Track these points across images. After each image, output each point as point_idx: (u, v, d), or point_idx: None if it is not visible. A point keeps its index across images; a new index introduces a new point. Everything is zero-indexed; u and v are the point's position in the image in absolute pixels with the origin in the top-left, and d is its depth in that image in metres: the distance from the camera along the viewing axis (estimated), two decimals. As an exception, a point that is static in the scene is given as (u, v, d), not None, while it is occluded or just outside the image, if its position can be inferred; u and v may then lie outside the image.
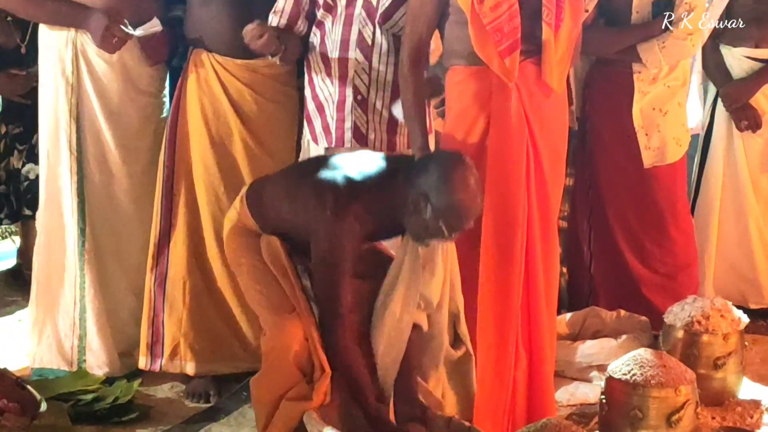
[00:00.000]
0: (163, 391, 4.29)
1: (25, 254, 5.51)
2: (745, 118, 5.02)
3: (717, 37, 4.99)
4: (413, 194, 3.26)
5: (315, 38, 4.13)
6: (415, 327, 3.52)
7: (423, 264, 3.49)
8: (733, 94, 5.03)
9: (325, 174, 3.40)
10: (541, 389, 3.88)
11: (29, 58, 5.05)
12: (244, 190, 3.68)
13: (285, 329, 3.46)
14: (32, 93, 4.77)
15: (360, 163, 3.48)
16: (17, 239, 5.75)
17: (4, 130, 5.31)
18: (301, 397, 3.40)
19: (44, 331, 4.37)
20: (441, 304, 3.57)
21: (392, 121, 4.15)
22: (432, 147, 3.96)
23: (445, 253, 3.54)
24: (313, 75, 4.15)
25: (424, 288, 3.49)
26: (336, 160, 3.57)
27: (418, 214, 3.26)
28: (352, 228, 3.31)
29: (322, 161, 3.61)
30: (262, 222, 3.58)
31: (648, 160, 4.71)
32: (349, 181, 3.33)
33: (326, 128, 4.10)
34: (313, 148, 4.18)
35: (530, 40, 3.71)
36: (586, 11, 4.36)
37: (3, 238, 5.94)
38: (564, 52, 3.81)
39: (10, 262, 5.72)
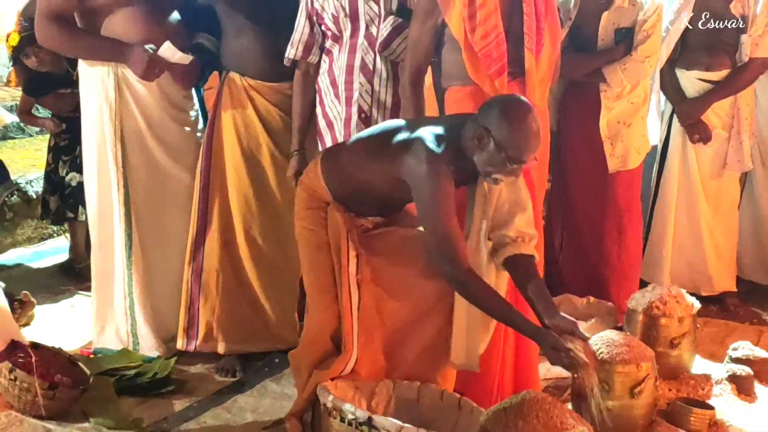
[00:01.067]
0: (196, 368, 4.31)
1: (74, 250, 5.58)
2: (697, 132, 5.04)
3: (673, 61, 4.98)
4: (478, 130, 3.19)
5: (324, 65, 4.14)
6: (529, 257, 3.46)
7: (512, 207, 3.46)
8: (687, 112, 5.05)
9: (411, 134, 3.32)
10: (526, 365, 3.90)
11: (75, 79, 5.13)
12: (318, 157, 3.62)
13: (325, 313, 3.52)
14: (78, 107, 4.80)
15: (435, 122, 3.43)
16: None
17: (53, 143, 5.36)
18: (327, 367, 3.44)
19: (104, 319, 4.42)
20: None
21: None
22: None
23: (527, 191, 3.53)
24: (323, 96, 4.14)
25: (520, 224, 3.45)
26: (410, 123, 3.51)
27: (482, 149, 3.20)
28: (446, 172, 3.22)
29: (394, 127, 3.50)
30: (335, 185, 3.50)
31: (612, 166, 4.74)
32: (434, 135, 3.26)
33: (335, 142, 4.08)
34: None
35: (515, 64, 3.74)
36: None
37: (57, 236, 5.96)
38: (545, 73, 3.86)
39: (63, 256, 5.72)
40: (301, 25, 4.09)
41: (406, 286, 3.54)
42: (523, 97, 3.38)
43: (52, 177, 5.40)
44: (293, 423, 3.54)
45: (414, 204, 3.41)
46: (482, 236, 3.46)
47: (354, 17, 4.02)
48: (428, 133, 3.28)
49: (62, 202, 5.41)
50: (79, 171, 5.12)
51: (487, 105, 3.31)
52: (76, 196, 5.28)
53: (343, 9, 4.01)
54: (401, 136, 3.36)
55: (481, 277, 3.34)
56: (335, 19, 4.03)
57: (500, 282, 3.53)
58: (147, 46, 4.06)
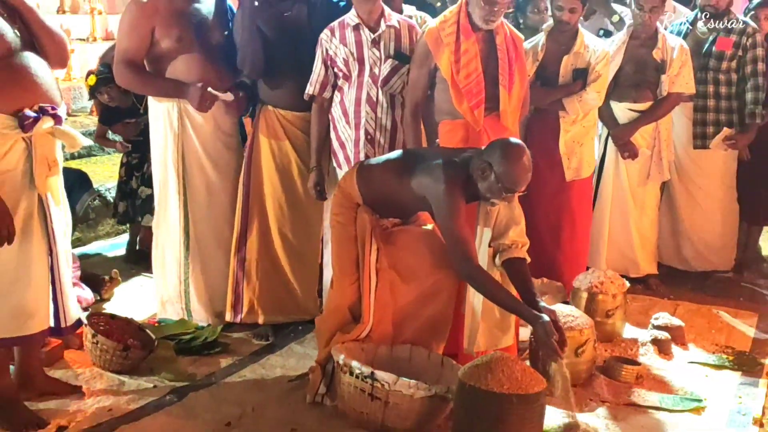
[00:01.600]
0: (238, 334, 4.29)
1: (130, 245, 5.57)
2: (626, 151, 5.01)
3: (608, 95, 4.93)
4: (482, 164, 3.25)
5: (337, 98, 4.12)
6: (521, 260, 3.54)
7: (508, 222, 3.54)
8: (619, 135, 5.01)
9: (432, 161, 3.37)
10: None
11: (139, 110, 5.14)
12: (354, 168, 3.63)
13: (345, 290, 3.55)
14: (142, 132, 4.78)
15: (451, 153, 3.50)
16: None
17: (125, 160, 5.34)
18: (349, 332, 3.49)
19: (163, 298, 4.40)
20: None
21: (393, 148, 4.12)
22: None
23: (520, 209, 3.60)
24: (337, 123, 4.12)
25: (513, 235, 3.53)
26: (431, 151, 3.68)
27: (484, 179, 3.26)
28: (459, 192, 3.30)
29: (419, 153, 3.60)
30: (366, 192, 3.51)
31: (569, 176, 4.71)
32: (450, 163, 3.33)
33: (347, 158, 4.08)
34: (338, 172, 4.15)
35: (492, 101, 3.79)
36: (529, 75, 4.39)
37: (117, 234, 5.93)
38: (516, 105, 3.90)
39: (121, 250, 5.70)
40: (318, 68, 4.08)
41: (415, 275, 3.53)
42: (520, 141, 3.43)
43: (123, 187, 5.38)
44: (316, 371, 3.55)
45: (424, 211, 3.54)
46: (485, 243, 3.53)
47: (360, 61, 4.03)
48: (446, 161, 3.34)
49: (131, 208, 5.38)
50: (148, 185, 5.11)
51: (492, 145, 3.36)
52: (145, 205, 5.28)
53: (352, 54, 4.01)
54: (425, 161, 3.40)
55: None
56: (346, 63, 4.03)
57: (501, 279, 3.57)
58: (201, 85, 4.05)
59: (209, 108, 4.11)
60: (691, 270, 5.42)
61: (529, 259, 3.56)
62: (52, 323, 3.31)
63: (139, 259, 5.33)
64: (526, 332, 4.01)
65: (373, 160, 3.71)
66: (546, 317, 3.27)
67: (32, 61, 3.15)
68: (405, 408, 3.18)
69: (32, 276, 3.19)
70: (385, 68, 4.03)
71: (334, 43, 4.01)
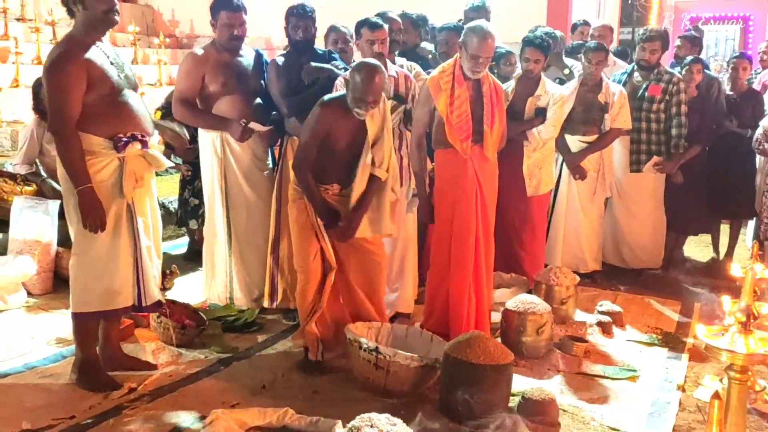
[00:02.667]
0: (271, 316, 4.27)
1: (190, 245, 5.55)
2: (577, 173, 4.99)
3: (563, 129, 4.91)
4: (345, 83, 3.40)
5: None
6: (376, 178, 3.52)
7: (375, 139, 3.48)
8: (571, 161, 5.00)
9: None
10: (482, 315, 3.89)
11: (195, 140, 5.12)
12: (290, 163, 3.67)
13: (310, 267, 3.52)
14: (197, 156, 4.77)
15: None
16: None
17: (182, 177, 5.35)
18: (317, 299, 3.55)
19: (211, 288, 4.39)
20: (389, 164, 3.57)
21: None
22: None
23: (389, 138, 3.56)
24: None
25: (376, 152, 3.49)
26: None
27: (347, 94, 3.36)
28: (326, 114, 3.42)
29: None
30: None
31: (530, 192, 4.67)
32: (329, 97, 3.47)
33: None
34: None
35: (477, 134, 3.79)
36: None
37: (177, 237, 5.93)
38: (495, 139, 3.88)
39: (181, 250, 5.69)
40: None
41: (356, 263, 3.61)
42: (371, 62, 3.44)
43: (179, 198, 5.41)
44: (311, 335, 3.59)
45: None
46: (363, 159, 3.49)
47: None
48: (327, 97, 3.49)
49: (184, 214, 5.38)
50: (196, 197, 5.15)
51: (352, 68, 3.45)
52: (193, 212, 5.28)
53: None
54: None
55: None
56: None
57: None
58: (241, 121, 4.06)
59: (247, 139, 4.11)
60: (628, 267, 5.39)
61: (384, 177, 3.54)
62: (135, 302, 3.34)
63: (194, 258, 5.29)
64: (496, 316, 4.04)
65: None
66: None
67: (132, 98, 3.27)
68: (402, 375, 3.20)
69: (120, 264, 3.25)
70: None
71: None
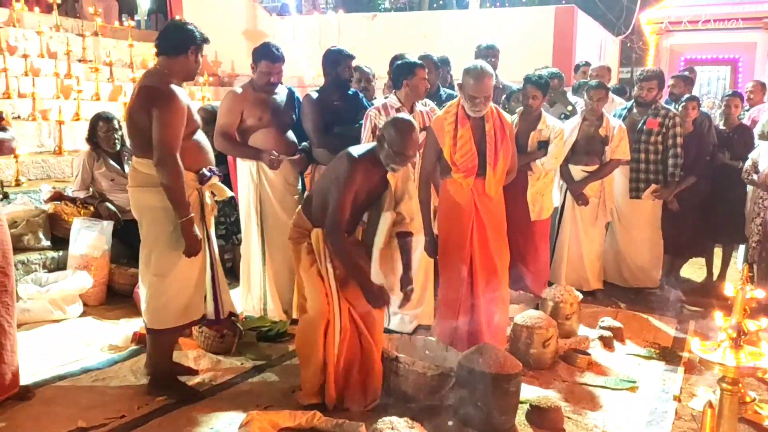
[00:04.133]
0: None
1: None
2: (580, 199, 5.00)
3: (567, 160, 4.97)
4: (379, 138, 3.05)
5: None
6: (407, 234, 3.25)
7: (401, 193, 3.21)
8: (574, 188, 5.01)
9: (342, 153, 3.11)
10: (479, 333, 3.72)
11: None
12: (299, 208, 3.32)
13: (323, 308, 3.07)
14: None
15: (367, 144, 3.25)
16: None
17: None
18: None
19: (247, 301, 4.41)
20: (415, 218, 3.33)
21: None
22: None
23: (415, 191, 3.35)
24: None
25: (405, 207, 3.21)
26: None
27: (382, 149, 3.03)
28: (358, 172, 3.03)
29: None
30: (312, 215, 3.17)
31: (533, 217, 4.64)
32: (354, 149, 3.10)
33: None
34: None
35: (482, 166, 3.67)
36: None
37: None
38: (499, 176, 3.74)
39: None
40: (366, 135, 4.09)
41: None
42: (407, 117, 3.19)
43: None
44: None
45: None
46: (383, 224, 3.23)
47: None
48: (351, 150, 3.11)
49: (232, 232, 5.39)
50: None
51: (386, 123, 3.14)
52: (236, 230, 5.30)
53: None
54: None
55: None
56: None
57: (393, 244, 3.28)
58: (272, 152, 4.13)
59: (278, 167, 4.16)
60: (628, 286, 5.35)
61: (414, 233, 3.30)
62: (213, 315, 3.36)
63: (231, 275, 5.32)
64: (508, 330, 4.01)
65: (309, 192, 3.42)
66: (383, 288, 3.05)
67: (202, 135, 3.28)
68: (420, 381, 3.18)
69: (196, 282, 3.25)
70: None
71: (380, 119, 4.00)
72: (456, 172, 3.67)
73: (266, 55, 4.14)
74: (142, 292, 3.26)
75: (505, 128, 3.75)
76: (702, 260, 5.94)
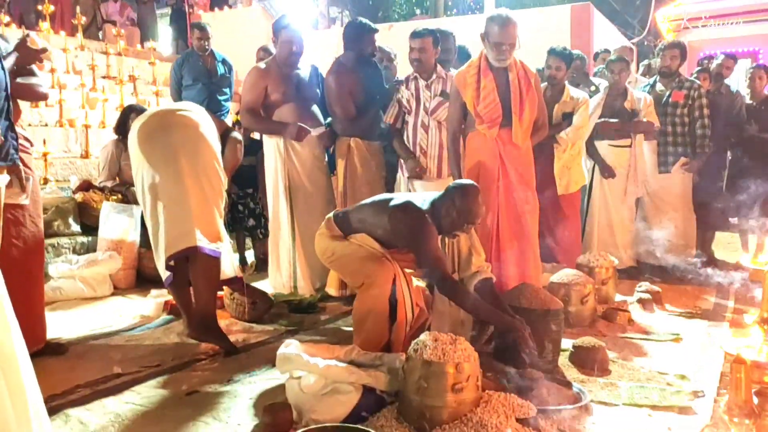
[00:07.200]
0: (331, 303, 4.18)
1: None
2: (606, 172, 4.98)
3: (593, 137, 4.95)
4: (446, 204, 2.86)
5: (405, 125, 4.23)
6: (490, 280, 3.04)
7: (468, 250, 3.08)
8: (601, 166, 5.02)
9: (403, 201, 2.93)
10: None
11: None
12: (329, 216, 3.18)
13: (383, 265, 2.90)
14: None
15: (416, 197, 3.02)
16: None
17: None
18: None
19: (276, 279, 4.37)
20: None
21: (439, 158, 4.14)
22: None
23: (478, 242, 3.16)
24: (406, 140, 4.22)
25: (477, 261, 3.07)
26: (395, 196, 3.10)
27: (449, 216, 2.85)
28: (430, 223, 2.83)
29: (389, 197, 3.05)
30: (348, 230, 3.05)
31: (560, 191, 4.64)
32: (418, 203, 2.92)
33: None
34: (403, 179, 4.24)
35: (507, 117, 3.65)
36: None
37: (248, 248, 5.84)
38: (526, 127, 3.70)
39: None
40: (393, 105, 4.20)
41: None
42: (472, 182, 3.01)
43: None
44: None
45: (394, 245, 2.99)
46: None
47: (417, 100, 4.12)
48: (414, 202, 2.93)
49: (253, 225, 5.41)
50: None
51: (451, 189, 2.92)
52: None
53: (413, 95, 4.11)
54: (396, 200, 2.96)
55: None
56: (408, 102, 4.14)
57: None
58: (297, 124, 4.16)
59: (303, 139, 4.17)
60: (661, 264, 5.19)
61: (495, 279, 3.11)
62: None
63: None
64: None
65: (346, 209, 3.25)
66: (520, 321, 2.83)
67: None
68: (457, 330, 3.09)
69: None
70: (434, 103, 4.09)
71: (402, 91, 4.13)
72: (480, 124, 3.65)
73: (286, 25, 4.19)
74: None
75: (530, 78, 3.72)
76: (736, 243, 5.82)
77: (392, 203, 2.93)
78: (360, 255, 2.98)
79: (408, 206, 2.88)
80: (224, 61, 6.05)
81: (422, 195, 3.06)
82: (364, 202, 3.16)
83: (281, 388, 2.64)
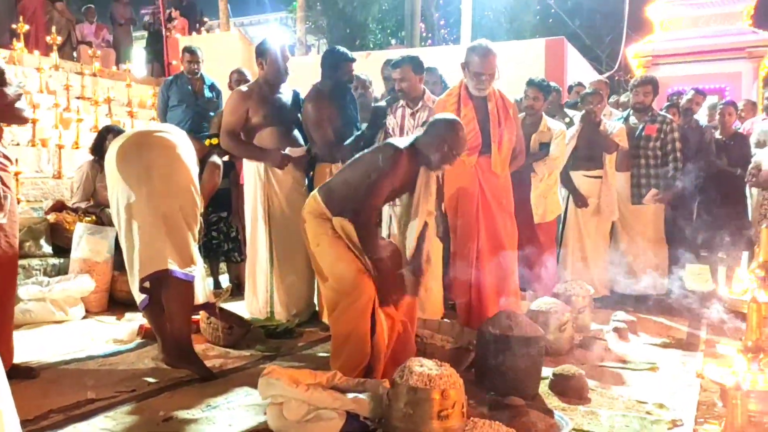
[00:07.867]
0: (308, 329, 4.15)
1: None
2: (579, 201, 5.06)
3: (568, 167, 5.03)
4: (436, 140, 2.93)
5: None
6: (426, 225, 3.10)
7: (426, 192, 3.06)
8: (574, 195, 5.10)
9: (380, 146, 3.09)
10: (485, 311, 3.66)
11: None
12: (313, 194, 3.10)
13: (364, 281, 2.88)
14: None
15: (397, 139, 3.15)
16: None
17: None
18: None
19: (253, 303, 4.34)
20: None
21: None
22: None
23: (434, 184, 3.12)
24: None
25: (428, 202, 3.07)
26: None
27: (439, 150, 2.92)
28: (400, 166, 2.91)
29: (368, 150, 3.13)
30: (333, 205, 2.97)
31: (537, 219, 4.70)
32: (396, 142, 3.02)
33: None
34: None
35: (487, 145, 3.74)
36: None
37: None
38: (505, 155, 3.79)
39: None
40: (381, 131, 4.26)
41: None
42: (455, 117, 3.14)
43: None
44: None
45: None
46: (412, 230, 3.10)
47: (401, 128, 4.21)
48: (392, 142, 3.04)
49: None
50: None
51: (436, 124, 3.01)
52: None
53: (398, 124, 4.20)
54: (374, 149, 3.09)
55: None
56: (393, 129, 4.22)
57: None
58: (282, 151, 4.15)
59: (285, 165, 4.17)
60: (636, 294, 5.26)
61: (431, 224, 3.16)
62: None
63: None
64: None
65: (328, 181, 3.24)
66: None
67: None
68: (438, 356, 3.07)
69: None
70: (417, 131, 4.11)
71: (388, 117, 4.19)
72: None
73: (273, 44, 4.22)
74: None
75: (508, 107, 3.81)
76: (706, 271, 5.93)
77: (371, 151, 3.04)
78: (346, 258, 2.92)
79: (388, 144, 3.03)
80: (213, 86, 6.02)
81: (403, 138, 3.15)
82: (341, 168, 3.22)
83: (260, 414, 2.61)
